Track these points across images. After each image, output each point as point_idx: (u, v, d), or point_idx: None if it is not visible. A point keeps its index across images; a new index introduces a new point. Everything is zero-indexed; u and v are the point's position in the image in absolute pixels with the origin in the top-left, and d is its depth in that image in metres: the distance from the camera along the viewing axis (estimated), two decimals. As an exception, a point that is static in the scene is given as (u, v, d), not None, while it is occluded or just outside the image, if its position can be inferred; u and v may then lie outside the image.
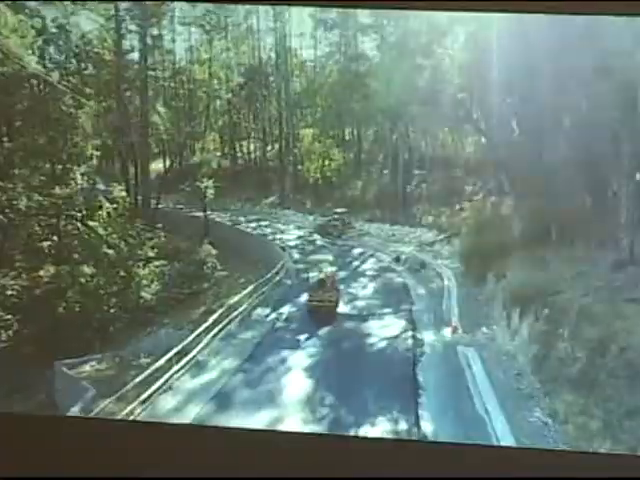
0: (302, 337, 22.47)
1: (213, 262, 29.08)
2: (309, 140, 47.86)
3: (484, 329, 20.92)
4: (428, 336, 21.90)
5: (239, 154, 57.06)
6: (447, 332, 22.18)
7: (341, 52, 54.21)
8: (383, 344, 21.86)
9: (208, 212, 34.71)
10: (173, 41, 54.30)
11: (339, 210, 40.17)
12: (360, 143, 51.68)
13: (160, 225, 33.52)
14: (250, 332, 23.30)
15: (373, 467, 1.64)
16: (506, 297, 21.05)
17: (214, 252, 29.38)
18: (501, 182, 37.89)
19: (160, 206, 36.57)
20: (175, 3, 38.83)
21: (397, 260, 31.89)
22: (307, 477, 1.63)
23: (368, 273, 31.48)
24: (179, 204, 42.22)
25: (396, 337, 22.55)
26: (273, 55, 55.25)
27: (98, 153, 32.72)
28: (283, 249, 33.69)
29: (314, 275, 27.14)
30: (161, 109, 34.61)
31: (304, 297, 25.73)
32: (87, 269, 24.22)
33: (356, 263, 32.67)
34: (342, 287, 26.74)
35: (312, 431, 15.24)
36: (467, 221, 33.86)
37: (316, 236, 38.81)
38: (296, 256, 32.99)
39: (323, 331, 22.95)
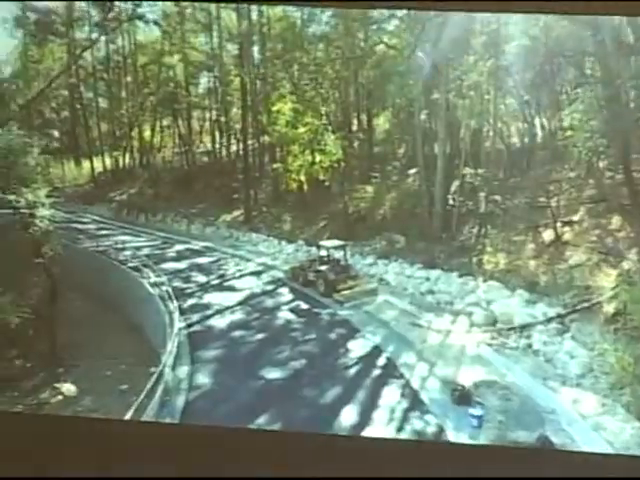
0: None
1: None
2: (287, 121, 29.27)
3: None
4: None
5: (194, 149, 39.04)
6: None
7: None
8: None
9: (48, 246, 16.13)
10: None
11: (329, 244, 21.70)
12: (370, 128, 33.18)
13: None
14: None
15: (374, 467, 1.65)
16: None
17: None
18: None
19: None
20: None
21: (460, 398, 12.17)
22: (307, 477, 1.65)
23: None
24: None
25: None
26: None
27: None
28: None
29: None
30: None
31: None
32: None
33: (352, 415, 11.43)
34: None
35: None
36: (616, 271, 15.21)
37: (284, 292, 20.54)
38: (205, 381, 13.66)
39: None
